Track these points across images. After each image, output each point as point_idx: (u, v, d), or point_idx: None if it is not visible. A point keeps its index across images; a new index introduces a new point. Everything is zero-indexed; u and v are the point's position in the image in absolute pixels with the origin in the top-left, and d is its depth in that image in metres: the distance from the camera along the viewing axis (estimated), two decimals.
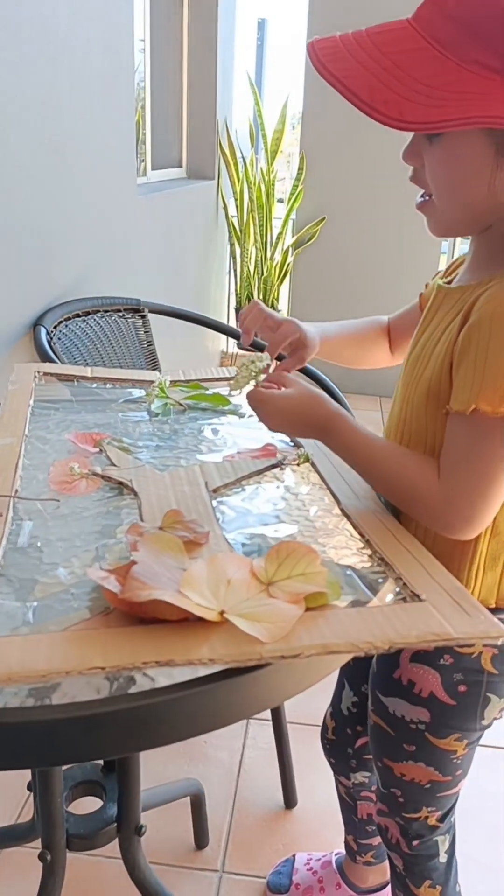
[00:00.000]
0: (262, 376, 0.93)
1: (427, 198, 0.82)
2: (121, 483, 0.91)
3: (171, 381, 1.24)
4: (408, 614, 0.64)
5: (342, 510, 0.86)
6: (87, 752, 0.59)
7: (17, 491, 0.87)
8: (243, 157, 3.85)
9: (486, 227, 0.80)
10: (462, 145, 0.73)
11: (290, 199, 3.84)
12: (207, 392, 1.22)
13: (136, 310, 1.97)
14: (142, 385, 1.29)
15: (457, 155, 0.74)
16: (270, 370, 0.93)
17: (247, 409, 1.18)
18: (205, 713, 0.58)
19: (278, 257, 3.98)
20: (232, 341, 4.28)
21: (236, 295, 4.17)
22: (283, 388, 0.88)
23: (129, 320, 1.96)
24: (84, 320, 1.85)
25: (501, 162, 0.73)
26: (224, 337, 4.22)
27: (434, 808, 1.01)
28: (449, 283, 0.88)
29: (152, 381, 1.29)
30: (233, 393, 1.20)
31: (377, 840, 1.24)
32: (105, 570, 0.66)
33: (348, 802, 1.26)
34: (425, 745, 0.95)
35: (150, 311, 1.99)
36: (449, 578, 0.71)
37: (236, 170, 3.86)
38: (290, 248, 3.90)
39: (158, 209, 2.95)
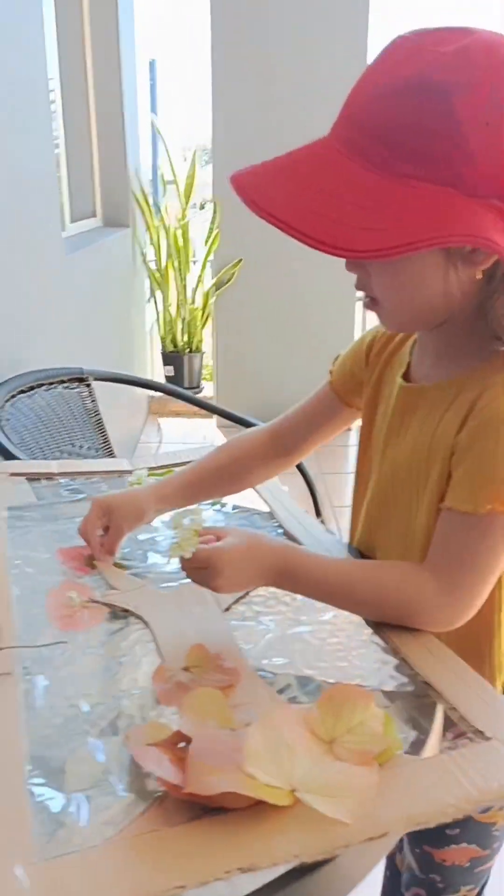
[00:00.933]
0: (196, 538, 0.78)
1: (371, 299, 0.77)
2: (125, 611, 0.84)
3: (148, 471, 1.18)
4: (480, 759, 0.60)
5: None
6: None
7: (18, 637, 0.79)
8: (157, 203, 3.82)
9: (441, 322, 0.77)
10: (412, 261, 0.69)
11: (206, 243, 3.83)
12: None
13: (80, 379, 1.90)
14: (109, 476, 1.23)
15: (406, 269, 0.70)
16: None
17: (229, 497, 1.13)
18: None
19: (199, 300, 3.95)
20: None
21: (161, 340, 4.12)
22: (222, 539, 0.78)
23: (74, 391, 1.88)
24: (29, 396, 1.76)
25: (451, 265, 0.70)
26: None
27: (472, 885, 0.98)
28: (406, 379, 0.85)
29: (121, 471, 1.23)
30: (171, 560, 0.96)
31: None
32: (151, 743, 0.60)
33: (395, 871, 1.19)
34: (468, 824, 0.91)
35: (95, 379, 1.92)
36: (493, 695, 0.68)
37: (151, 216, 3.83)
38: (211, 291, 3.89)
39: (84, 263, 2.88)
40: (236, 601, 0.86)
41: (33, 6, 2.20)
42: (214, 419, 4.08)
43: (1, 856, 0.52)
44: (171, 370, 4.04)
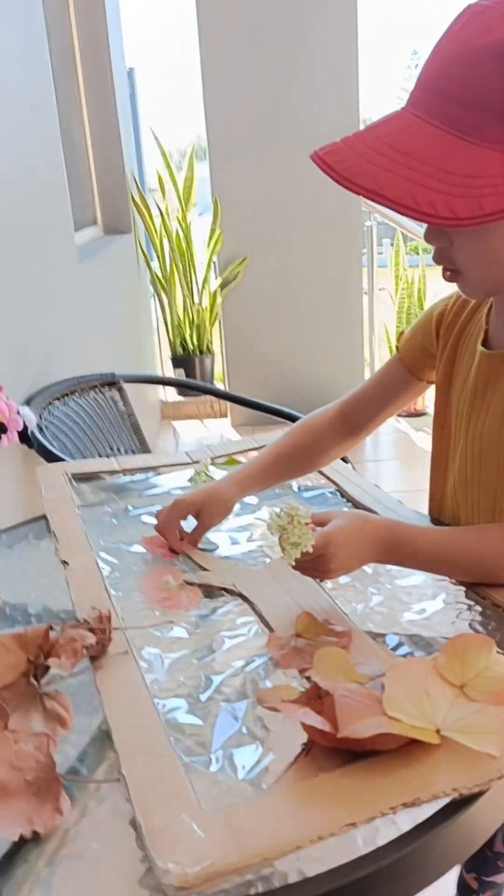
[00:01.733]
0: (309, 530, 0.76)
1: (451, 271, 0.77)
2: (223, 589, 0.86)
3: (210, 461, 1.20)
4: None
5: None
6: None
7: (123, 619, 0.81)
8: (158, 208, 3.85)
9: None
10: (499, 227, 0.69)
11: (209, 243, 3.85)
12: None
13: (111, 383, 1.92)
14: (168, 470, 1.25)
15: (494, 235, 0.71)
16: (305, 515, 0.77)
17: (296, 480, 1.15)
18: (452, 848, 0.55)
19: (206, 301, 3.97)
20: (170, 389, 4.24)
21: (169, 343, 4.14)
22: (326, 524, 0.79)
23: (106, 395, 1.90)
24: (64, 403, 1.79)
25: None
26: (161, 388, 4.18)
27: None
28: (487, 346, 0.87)
29: (180, 464, 1.25)
30: (250, 539, 1.00)
31: (502, 877, 1.21)
32: (286, 701, 0.62)
33: None
34: None
35: (126, 382, 1.94)
36: None
37: (152, 221, 3.85)
38: (218, 291, 3.91)
39: (94, 271, 2.90)
40: None
41: (36, 20, 2.22)
42: (229, 419, 4.11)
43: (172, 810, 0.54)
44: (181, 373, 4.06)
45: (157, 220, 3.86)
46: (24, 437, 0.72)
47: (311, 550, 0.75)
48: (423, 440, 3.89)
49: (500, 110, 0.65)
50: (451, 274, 0.77)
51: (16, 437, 0.71)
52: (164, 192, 3.88)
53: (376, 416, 1.01)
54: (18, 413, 0.72)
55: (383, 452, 3.75)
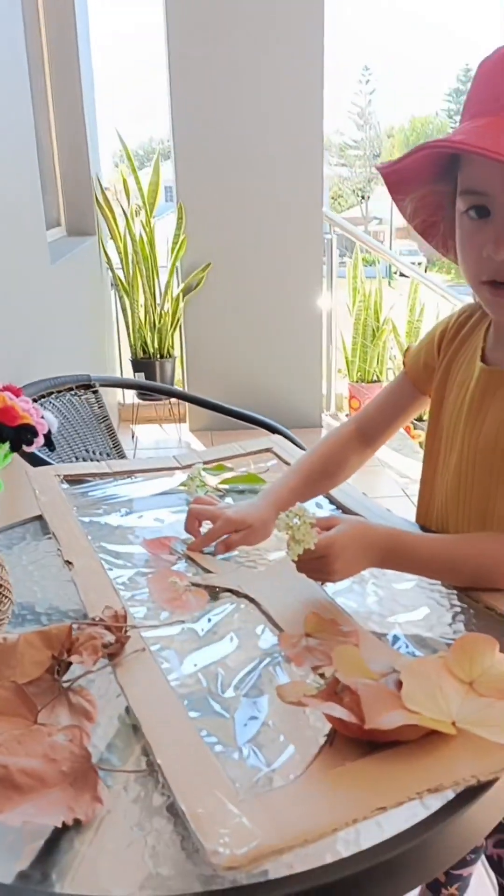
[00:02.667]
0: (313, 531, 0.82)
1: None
2: (229, 591, 0.90)
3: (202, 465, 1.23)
4: None
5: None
6: None
7: (135, 619, 0.84)
8: (123, 211, 3.85)
9: None
10: None
11: (173, 249, 3.87)
12: (236, 472, 1.23)
13: (87, 386, 1.93)
14: (158, 474, 1.27)
15: None
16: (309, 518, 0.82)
17: None
18: (460, 838, 0.60)
19: (168, 306, 3.99)
20: (129, 392, 4.24)
21: (130, 346, 4.14)
22: (332, 528, 0.83)
23: (82, 397, 1.91)
24: (41, 404, 1.79)
25: None
26: (121, 390, 4.18)
27: None
28: (484, 361, 0.93)
29: (170, 469, 1.28)
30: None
31: (468, 871, 1.26)
32: (309, 696, 0.66)
33: None
34: None
35: (101, 385, 1.95)
36: None
37: (116, 224, 3.86)
38: (181, 296, 3.93)
39: (64, 272, 2.89)
40: None
41: (14, 21, 2.22)
42: (188, 423, 4.13)
43: (212, 797, 0.57)
44: (142, 376, 4.07)
45: (122, 223, 3.87)
46: (48, 440, 0.74)
47: (313, 548, 0.81)
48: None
49: None
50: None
51: (42, 440, 0.73)
52: (128, 195, 3.89)
53: (388, 429, 1.08)
54: (43, 417, 0.74)
55: None
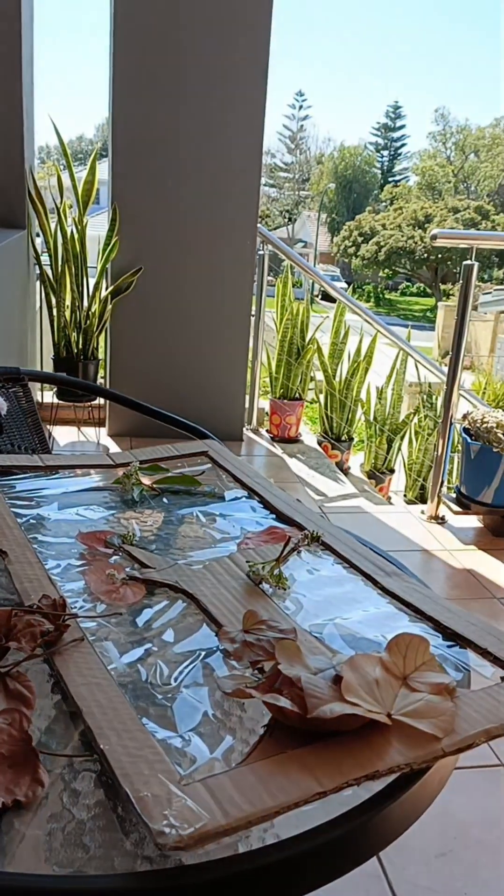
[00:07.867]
0: None
1: None
2: (167, 586, 0.90)
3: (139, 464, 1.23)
4: None
5: (384, 589, 0.93)
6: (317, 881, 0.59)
7: (73, 610, 0.83)
8: (56, 207, 3.80)
9: None
10: None
11: (104, 250, 3.84)
12: (170, 473, 1.24)
13: (16, 378, 1.89)
14: (86, 471, 1.27)
15: None
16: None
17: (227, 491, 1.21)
18: (395, 822, 0.62)
19: (96, 307, 3.95)
20: (48, 392, 4.16)
21: (53, 345, 4.07)
22: None
23: (10, 391, 1.87)
24: None
25: None
26: (40, 390, 4.10)
27: None
28: None
29: (105, 466, 1.28)
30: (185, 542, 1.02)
31: None
32: (250, 689, 0.67)
33: None
34: None
35: (30, 380, 1.92)
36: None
37: (47, 219, 3.80)
38: (109, 298, 3.90)
39: None
40: (263, 577, 0.95)
41: None
42: (106, 428, 4.09)
43: (156, 780, 0.58)
44: (64, 376, 4.00)
45: (53, 219, 3.81)
46: None
47: None
48: (296, 465, 4.05)
49: None
50: None
51: None
52: (61, 190, 3.83)
53: None
54: None
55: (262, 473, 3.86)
